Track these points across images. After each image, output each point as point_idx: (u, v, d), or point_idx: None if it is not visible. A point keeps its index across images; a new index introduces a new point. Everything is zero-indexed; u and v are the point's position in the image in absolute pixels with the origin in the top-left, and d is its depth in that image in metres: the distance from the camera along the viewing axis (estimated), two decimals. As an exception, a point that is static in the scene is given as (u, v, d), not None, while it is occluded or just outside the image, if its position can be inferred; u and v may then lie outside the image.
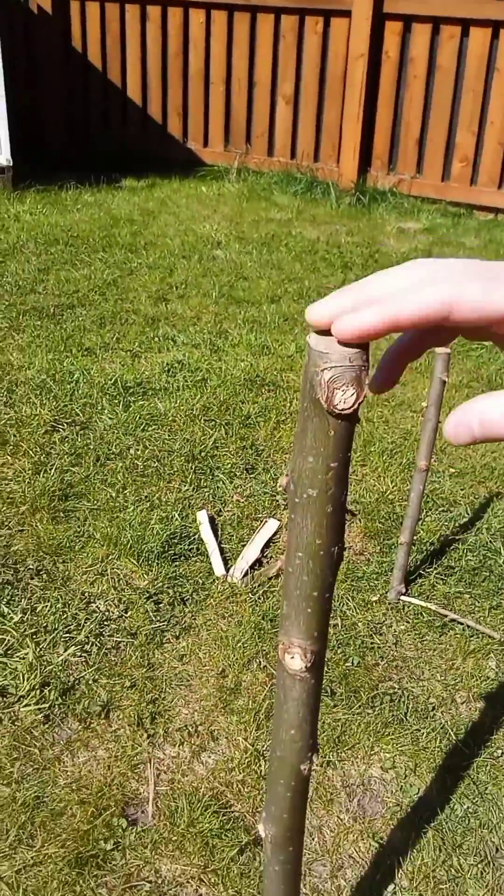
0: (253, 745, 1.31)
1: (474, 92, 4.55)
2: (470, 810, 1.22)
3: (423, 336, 0.49)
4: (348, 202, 4.91)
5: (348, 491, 0.71)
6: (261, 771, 1.26)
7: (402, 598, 1.66)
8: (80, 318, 3.02)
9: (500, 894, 1.10)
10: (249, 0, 4.76)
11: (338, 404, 0.57)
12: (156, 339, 2.89)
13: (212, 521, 1.89)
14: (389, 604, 1.65)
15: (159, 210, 4.57)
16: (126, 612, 1.58)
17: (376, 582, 1.72)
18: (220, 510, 1.95)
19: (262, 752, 1.30)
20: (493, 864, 1.14)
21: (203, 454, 2.15)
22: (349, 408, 0.58)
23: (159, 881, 1.10)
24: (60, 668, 1.43)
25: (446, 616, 1.61)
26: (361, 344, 0.56)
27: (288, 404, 2.46)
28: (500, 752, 1.32)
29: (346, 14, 4.56)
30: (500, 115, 4.53)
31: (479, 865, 1.14)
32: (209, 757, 1.30)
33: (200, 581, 1.69)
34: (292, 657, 0.70)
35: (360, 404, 0.57)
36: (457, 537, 1.88)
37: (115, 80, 5.37)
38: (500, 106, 4.51)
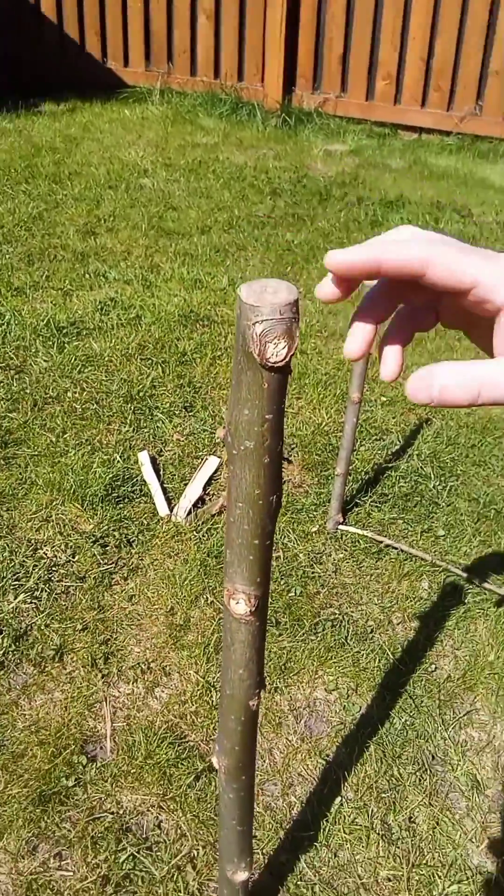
0: (204, 678, 1.37)
1: (395, 7, 4.44)
2: (408, 723, 1.32)
3: (406, 319, 0.51)
4: (274, 124, 4.79)
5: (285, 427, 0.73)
6: (212, 702, 1.33)
7: (340, 527, 1.73)
8: (7, 256, 2.91)
9: (436, 797, 1.21)
10: None
11: (270, 357, 0.59)
12: (86, 275, 2.82)
13: (153, 461, 1.91)
14: (328, 534, 1.72)
15: (82, 136, 4.37)
16: (74, 557, 1.60)
17: (315, 513, 1.78)
18: (161, 450, 1.97)
19: (213, 684, 1.36)
20: (430, 771, 1.25)
21: (141, 394, 2.14)
22: (281, 360, 0.60)
23: (121, 811, 1.16)
24: (11, 615, 1.46)
25: (382, 542, 1.69)
26: (292, 297, 0.58)
27: (223, 339, 2.46)
28: (433, 667, 1.42)
29: None
30: (422, 30, 4.45)
31: (417, 773, 1.24)
32: (162, 692, 1.35)
33: (145, 522, 1.72)
34: (237, 602, 0.74)
35: (291, 356, 0.60)
36: (390, 465, 1.95)
37: (23, -8, 5.03)
38: (422, 20, 4.42)
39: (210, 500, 1.81)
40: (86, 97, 4.96)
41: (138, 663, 1.40)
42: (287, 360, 0.59)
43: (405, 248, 0.46)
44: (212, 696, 1.34)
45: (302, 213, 3.60)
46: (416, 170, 4.38)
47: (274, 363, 0.58)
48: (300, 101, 4.83)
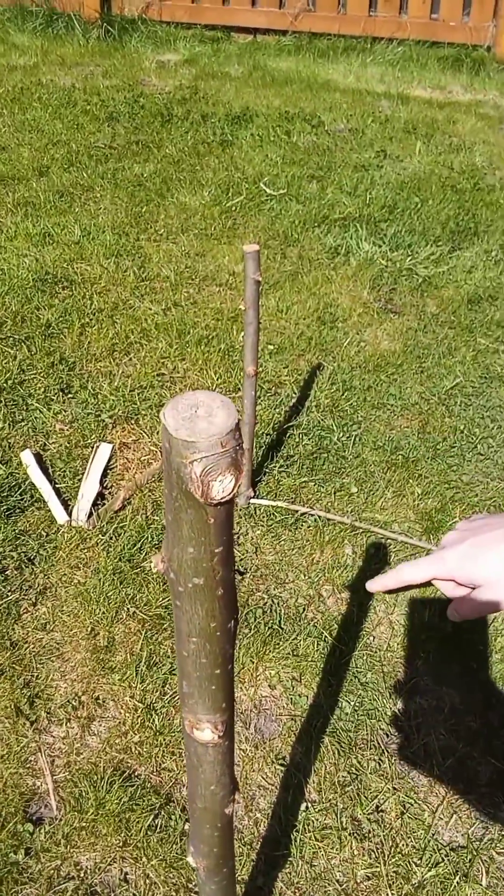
0: (141, 701, 1.29)
1: None
2: (357, 705, 1.30)
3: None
4: (97, 35, 4.38)
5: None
6: (155, 726, 1.26)
7: (252, 501, 1.66)
8: None
9: (398, 780, 1.20)
10: None
11: (216, 496, 0.48)
12: None
13: (38, 459, 1.74)
14: (241, 510, 1.64)
15: None
16: (-30, 592, 1.45)
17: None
18: (45, 444, 1.80)
19: (152, 706, 1.28)
20: (387, 752, 1.24)
21: (10, 382, 1.94)
22: (229, 495, 0.49)
23: (82, 874, 1.08)
24: None
25: (297, 511, 1.63)
26: (231, 420, 0.46)
27: (88, 302, 2.26)
28: (371, 638, 1.40)
29: None
30: None
31: (376, 757, 1.23)
32: (100, 726, 1.26)
33: (44, 533, 1.57)
34: (202, 731, 0.65)
35: (239, 486, 0.49)
36: (290, 423, 1.87)
37: None
38: None
39: (110, 494, 1.68)
40: None
41: (67, 700, 1.29)
42: (235, 492, 0.48)
43: (420, 570, 0.68)
44: (153, 720, 1.26)
45: (146, 139, 3.33)
46: (256, 76, 4.14)
47: (221, 500, 0.48)
48: (121, 7, 4.41)
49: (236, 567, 1.31)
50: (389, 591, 0.75)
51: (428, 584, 0.67)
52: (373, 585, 0.95)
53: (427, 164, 3.29)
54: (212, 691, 0.62)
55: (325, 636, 1.39)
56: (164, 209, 2.80)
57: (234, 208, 2.82)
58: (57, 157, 3.10)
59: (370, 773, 1.21)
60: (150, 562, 0.61)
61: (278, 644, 1.37)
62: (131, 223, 2.69)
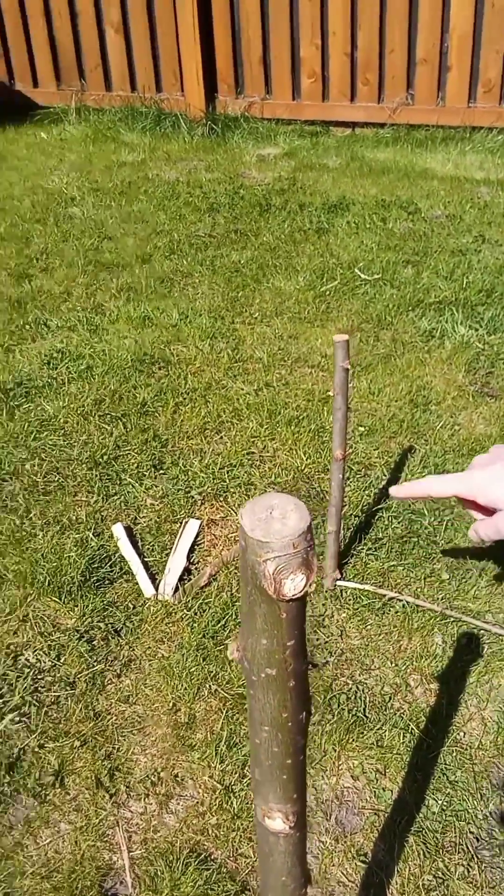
0: (220, 782, 1.27)
1: (311, 1, 4.35)
2: (444, 804, 1.23)
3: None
4: (201, 133, 4.68)
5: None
6: (233, 809, 1.23)
7: (339, 583, 1.64)
8: None
9: (488, 889, 1.13)
10: None
11: (287, 592, 0.49)
12: (27, 326, 2.67)
13: (129, 532, 1.79)
14: (327, 592, 1.63)
15: None
16: (59, 660, 1.48)
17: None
18: (136, 518, 1.85)
19: (231, 787, 1.26)
20: (477, 858, 1.16)
21: (105, 458, 2.02)
22: (300, 592, 0.51)
23: None
24: (1, 741, 1.33)
25: (385, 595, 1.60)
26: (303, 523, 0.48)
27: (183, 382, 2.35)
28: (461, 734, 1.34)
29: None
30: (342, 24, 4.37)
31: (464, 862, 1.16)
32: (178, 805, 1.25)
33: (131, 606, 1.60)
34: (273, 820, 0.64)
35: (311, 584, 0.50)
36: (380, 505, 1.86)
37: None
38: (340, 14, 4.34)
39: (196, 569, 1.70)
40: (-1, 124, 4.77)
41: (147, 775, 1.28)
42: (306, 589, 0.50)
43: (446, 485, 0.95)
44: (232, 803, 1.24)
45: (244, 227, 3.49)
46: (354, 166, 4.30)
47: (292, 597, 0.49)
48: (225, 107, 4.71)
49: (314, 658, 1.29)
50: (411, 499, 0.96)
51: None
52: (398, 492, 1.19)
53: (523, 248, 3.30)
54: (283, 780, 0.62)
55: (412, 728, 1.34)
56: (260, 294, 2.90)
57: (328, 293, 2.90)
58: (159, 246, 3.29)
59: (457, 879, 1.14)
60: (227, 648, 0.60)
61: (362, 733, 1.33)
62: (227, 307, 2.80)
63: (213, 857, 1.18)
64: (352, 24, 4.34)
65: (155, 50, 4.62)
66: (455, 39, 4.30)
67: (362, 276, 3.04)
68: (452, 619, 1.55)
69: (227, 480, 1.95)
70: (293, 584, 0.47)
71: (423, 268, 3.11)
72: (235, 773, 1.28)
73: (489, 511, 1.16)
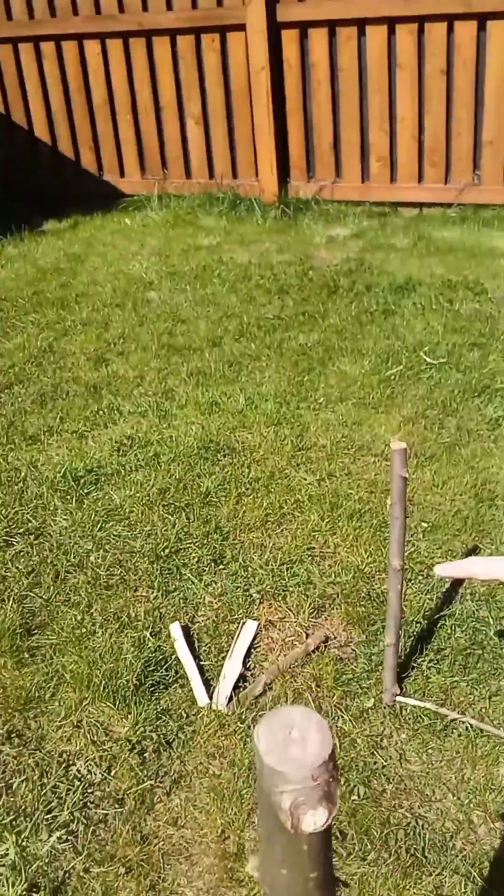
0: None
1: (380, 90, 4.46)
2: None
3: None
4: (273, 216, 4.79)
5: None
6: None
7: (398, 699, 1.57)
8: (20, 399, 2.86)
9: None
10: (143, 25, 4.59)
11: (307, 828, 0.46)
12: (101, 412, 2.74)
13: (186, 632, 1.77)
14: (386, 709, 1.56)
15: (86, 252, 4.39)
16: (109, 773, 1.46)
17: (368, 682, 1.63)
18: (193, 616, 1.84)
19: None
20: None
21: (167, 551, 2.02)
22: (321, 826, 0.47)
23: None
24: (47, 861, 1.31)
25: (447, 716, 1.52)
26: (326, 750, 0.45)
27: (246, 471, 2.35)
28: (528, 882, 1.25)
29: (241, 28, 4.42)
30: (410, 110, 4.45)
31: None
32: None
33: (184, 714, 1.58)
34: None
35: (334, 818, 0.47)
36: (442, 612, 1.79)
37: (20, 122, 5.16)
38: (408, 101, 4.42)
39: (251, 676, 1.67)
40: (86, 211, 5.01)
41: (192, 910, 1.24)
42: (330, 823, 0.46)
43: (493, 568, 1.08)
44: None
45: (312, 310, 3.53)
46: (421, 246, 4.32)
47: (313, 831, 0.46)
48: (296, 191, 4.83)
49: (341, 878, 1.21)
50: (455, 577, 1.04)
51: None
52: (443, 571, 1.23)
53: None
54: None
55: (474, 875, 1.25)
56: (325, 377, 2.91)
57: (392, 377, 2.88)
58: (230, 329, 3.35)
59: None
60: (248, 861, 0.57)
61: (420, 878, 1.25)
62: (293, 391, 2.81)
63: None
64: (419, 110, 4.42)
65: (232, 139, 4.81)
66: (523, 121, 4.32)
67: (427, 359, 3.01)
68: (520, 746, 1.46)
69: (287, 578, 1.92)
70: (313, 820, 0.44)
71: (489, 350, 3.06)
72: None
73: None
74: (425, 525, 2.09)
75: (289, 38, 4.45)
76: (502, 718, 1.52)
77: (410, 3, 4.14)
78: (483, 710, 1.54)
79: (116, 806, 1.40)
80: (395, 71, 4.38)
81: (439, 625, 1.76)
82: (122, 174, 5.17)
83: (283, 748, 0.42)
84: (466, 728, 1.50)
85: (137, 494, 2.26)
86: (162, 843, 1.33)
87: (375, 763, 1.45)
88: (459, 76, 4.28)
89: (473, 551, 1.98)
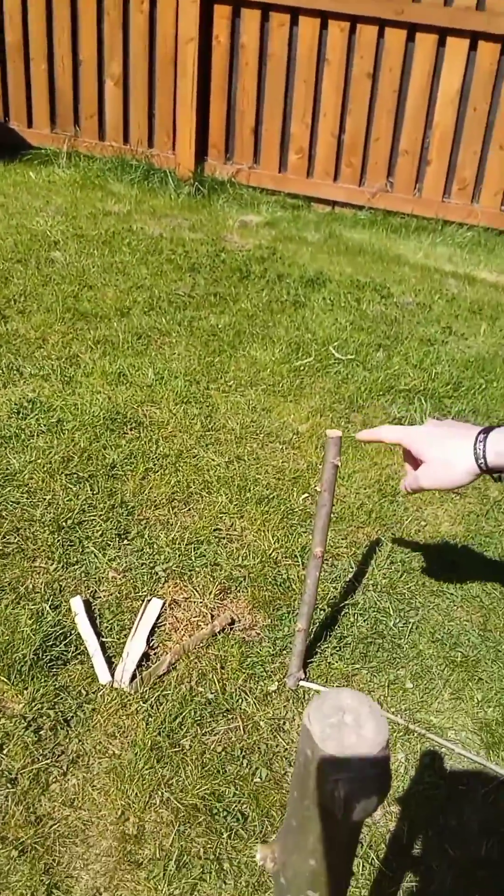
0: (168, 908, 1.18)
1: (306, 82, 4.48)
2: None
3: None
4: (188, 192, 4.71)
5: None
6: (181, 943, 1.14)
7: (302, 683, 1.58)
8: None
9: None
10: (70, -30, 4.37)
11: (356, 817, 0.44)
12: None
13: (87, 607, 1.70)
14: (289, 691, 1.57)
15: (-17, 201, 4.13)
16: (2, 750, 1.37)
17: (272, 666, 1.63)
18: (95, 591, 1.76)
19: (179, 915, 1.17)
20: None
21: (70, 521, 1.93)
22: (369, 815, 0.45)
23: None
24: None
25: (349, 702, 1.54)
26: (382, 735, 0.43)
27: (154, 447, 2.29)
28: (423, 867, 1.28)
29: (175, -6, 4.31)
30: (333, 106, 4.50)
31: None
32: (119, 932, 1.15)
33: (84, 692, 1.51)
34: None
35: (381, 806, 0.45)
36: (346, 600, 1.82)
37: None
38: (332, 98, 4.47)
39: (155, 656, 1.62)
40: (-13, 158, 4.72)
41: (88, 895, 1.18)
42: (377, 808, 0.44)
43: (394, 433, 1.28)
44: (179, 935, 1.15)
45: (223, 291, 3.49)
46: (331, 243, 4.38)
47: (361, 818, 0.44)
48: (213, 170, 4.77)
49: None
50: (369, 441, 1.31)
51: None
52: (361, 435, 1.37)
53: (491, 345, 3.38)
54: None
55: (372, 857, 1.27)
56: (236, 361, 2.88)
57: (302, 368, 2.90)
58: (139, 301, 3.26)
59: None
60: (256, 852, 0.55)
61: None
62: (203, 371, 2.77)
63: None
64: (342, 109, 4.48)
65: (151, 107, 4.68)
66: (437, 136, 4.47)
67: (336, 354, 3.06)
68: (416, 735, 1.50)
69: (193, 558, 1.88)
70: (364, 808, 0.42)
71: (393, 353, 3.15)
72: (185, 897, 1.19)
73: (419, 464, 1.35)
74: (332, 516, 2.11)
75: (221, 14, 4.38)
76: (400, 706, 1.56)
77: (346, 1, 4.17)
78: (382, 697, 1.58)
79: (9, 786, 1.31)
80: (322, 66, 4.41)
81: (343, 613, 1.78)
82: (29, 124, 4.91)
83: (338, 734, 0.39)
84: (367, 715, 1.52)
85: (39, 461, 2.15)
86: (57, 824, 1.27)
87: (277, 746, 1.45)
88: (384, 82, 4.36)
89: (376, 544, 2.02)
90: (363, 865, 1.26)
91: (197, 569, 1.86)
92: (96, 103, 4.75)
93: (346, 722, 0.40)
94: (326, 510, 1.45)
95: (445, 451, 1.27)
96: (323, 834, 0.44)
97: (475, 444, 1.25)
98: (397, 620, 1.78)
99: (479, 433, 1.26)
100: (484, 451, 1.23)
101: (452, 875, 1.27)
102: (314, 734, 0.39)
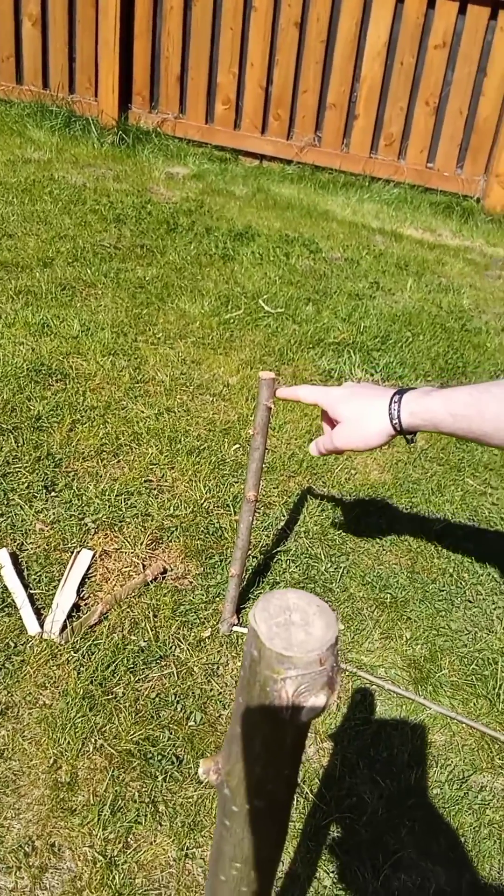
0: (102, 853, 1.16)
1: (233, 30, 4.37)
2: (336, 877, 1.19)
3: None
4: (111, 141, 4.56)
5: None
6: (115, 885, 1.13)
7: (235, 628, 1.58)
8: None
9: None
10: None
11: (304, 715, 0.43)
12: None
13: (14, 559, 1.65)
14: (223, 638, 1.56)
15: None
16: None
17: (205, 612, 1.62)
18: (22, 543, 1.71)
19: (114, 860, 1.16)
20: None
21: (-9, 474, 1.86)
22: (317, 715, 0.44)
23: None
24: None
25: (282, 646, 1.55)
26: (331, 632, 0.42)
27: (81, 399, 2.22)
28: (354, 798, 1.31)
29: None
30: (260, 56, 4.41)
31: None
32: (53, 879, 1.13)
33: (12, 644, 1.47)
34: None
35: (333, 705, 0.44)
36: (279, 547, 1.82)
37: None
38: (259, 47, 4.38)
39: (86, 606, 1.59)
40: None
41: (20, 844, 1.16)
42: (326, 708, 0.43)
43: (312, 393, 1.35)
44: (113, 878, 1.14)
45: (150, 244, 3.41)
46: (260, 198, 4.32)
47: (308, 720, 0.42)
48: (137, 119, 4.62)
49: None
50: (287, 399, 1.33)
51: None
52: (280, 393, 1.38)
53: (417, 300, 3.41)
54: None
55: (306, 792, 1.29)
56: (164, 314, 2.82)
57: (232, 321, 2.86)
58: (62, 251, 3.14)
59: None
60: (199, 766, 0.54)
61: (256, 796, 1.27)
62: (130, 323, 2.70)
63: (90, 937, 1.07)
64: (270, 60, 4.39)
65: (72, 51, 4.47)
66: (364, 90, 4.44)
67: (266, 308, 3.03)
68: (347, 674, 1.52)
69: (124, 509, 1.85)
70: (313, 707, 0.40)
71: (322, 307, 3.14)
72: (119, 842, 1.18)
73: (335, 425, 1.37)
74: (264, 466, 2.10)
75: (145, -48, 4.20)
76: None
77: None
78: (315, 640, 1.59)
79: None
80: (249, 13, 4.30)
81: (275, 559, 1.78)
82: None
83: (286, 632, 0.38)
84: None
85: (-43, 412, 2.06)
86: (-13, 776, 1.24)
87: (211, 690, 1.45)
88: (312, 32, 4.29)
89: (308, 492, 2.03)
90: (296, 800, 1.28)
91: (127, 519, 1.82)
92: (13, 44, 4.51)
93: (293, 621, 0.39)
94: (259, 453, 1.44)
95: (361, 411, 1.28)
96: (269, 737, 0.42)
97: (390, 404, 1.27)
98: (329, 565, 1.79)
99: (395, 394, 1.28)
100: (399, 411, 1.26)
101: (383, 804, 1.30)
102: (261, 633, 0.37)
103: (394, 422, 1.26)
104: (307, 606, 0.40)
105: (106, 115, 4.55)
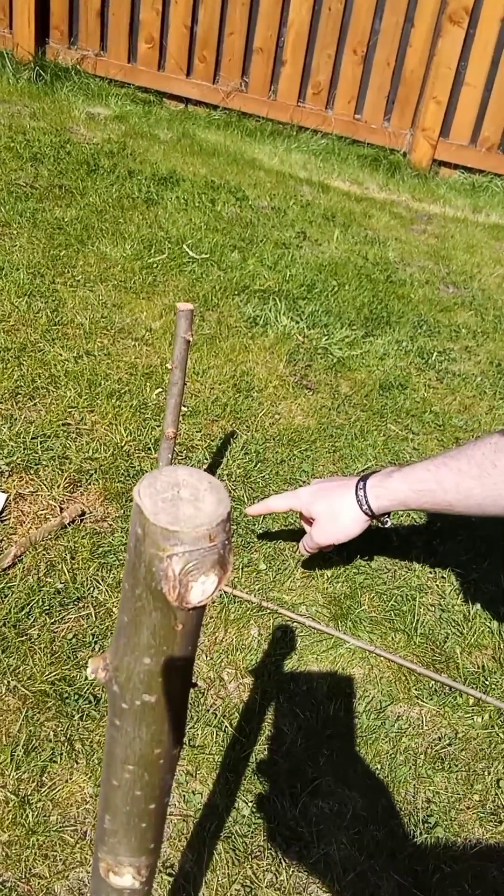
0: (14, 793, 1.13)
1: (160, -37, 4.18)
2: (255, 806, 1.19)
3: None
4: (28, 77, 4.33)
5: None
6: (28, 824, 1.10)
7: (155, 570, 1.55)
8: None
9: (295, 895, 1.10)
10: None
11: (193, 599, 0.39)
12: None
13: None
14: (142, 579, 1.53)
15: None
16: None
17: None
18: None
19: (27, 798, 1.13)
20: (285, 863, 1.13)
21: None
22: (208, 598, 0.41)
23: None
24: None
25: (203, 586, 1.53)
26: (222, 508, 0.39)
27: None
28: (273, 729, 1.31)
29: None
30: (187, -6, 4.24)
31: (273, 868, 1.12)
32: (-37, 820, 1.09)
33: None
34: (121, 876, 0.54)
35: (223, 588, 0.41)
36: (200, 490, 1.79)
37: None
38: (187, -17, 4.21)
39: (0, 548, 1.53)
40: None
41: None
42: (216, 593, 0.40)
43: (282, 501, 1.44)
44: (27, 816, 1.11)
45: (69, 184, 3.26)
46: (185, 143, 4.19)
47: (197, 604, 0.39)
48: (55, 54, 4.40)
49: (196, 678, 1.21)
50: (260, 514, 1.27)
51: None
52: (251, 510, 1.45)
53: (343, 251, 3.39)
54: (141, 829, 0.52)
55: (226, 725, 1.29)
56: (84, 256, 2.72)
57: (155, 265, 2.78)
58: (-26, 188, 2.97)
59: (266, 887, 1.10)
60: (87, 666, 0.51)
61: (175, 732, 1.25)
62: (48, 265, 2.59)
63: (3, 881, 1.04)
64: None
65: (-19, -26, 4.20)
66: (292, 34, 4.33)
67: (191, 253, 2.95)
68: (269, 612, 1.52)
69: (40, 452, 1.78)
70: (202, 588, 0.37)
71: (248, 255, 3.09)
72: (33, 781, 1.15)
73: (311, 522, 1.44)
74: (185, 409, 2.06)
75: None
76: (253, 587, 1.57)
77: None
78: (236, 579, 1.58)
79: None
80: None
81: (197, 502, 1.75)
82: None
83: (173, 507, 0.34)
84: (221, 596, 1.52)
85: None
86: None
87: (131, 631, 1.42)
88: (239, -31, 4.15)
89: (231, 436, 2.00)
90: (216, 734, 1.27)
91: (44, 462, 1.76)
92: None
93: (181, 497, 0.35)
94: (178, 388, 1.39)
95: (332, 507, 1.34)
96: (158, 625, 0.39)
97: (356, 492, 1.32)
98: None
99: (358, 481, 1.33)
100: (366, 497, 1.31)
101: (302, 735, 1.31)
102: (145, 509, 0.34)
103: (364, 508, 1.32)
104: (198, 483, 0.37)
105: (21, 49, 4.30)
